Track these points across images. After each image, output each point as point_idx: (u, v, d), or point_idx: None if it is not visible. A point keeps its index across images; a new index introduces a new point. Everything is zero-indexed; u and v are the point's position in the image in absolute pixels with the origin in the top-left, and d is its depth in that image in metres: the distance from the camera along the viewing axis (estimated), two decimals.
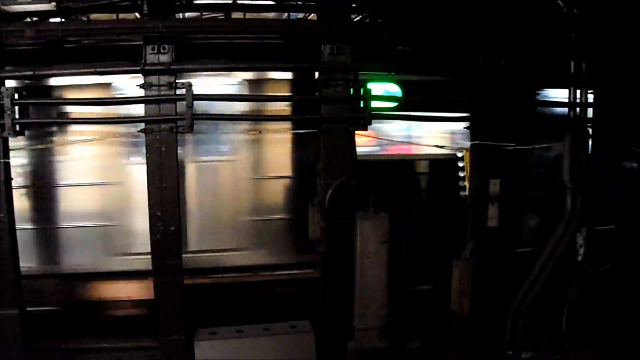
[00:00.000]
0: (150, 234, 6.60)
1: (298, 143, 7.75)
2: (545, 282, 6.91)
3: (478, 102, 6.75)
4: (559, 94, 7.42)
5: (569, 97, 6.88)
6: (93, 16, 6.73)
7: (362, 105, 6.44)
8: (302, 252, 7.63)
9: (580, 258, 7.01)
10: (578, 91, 6.89)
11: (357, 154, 6.94)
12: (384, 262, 6.47)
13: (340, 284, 6.71)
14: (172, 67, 6.38)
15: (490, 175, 6.72)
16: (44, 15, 6.36)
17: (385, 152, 8.38)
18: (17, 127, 6.28)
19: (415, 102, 7.09)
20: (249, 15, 6.69)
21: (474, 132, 6.77)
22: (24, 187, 7.41)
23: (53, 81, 7.27)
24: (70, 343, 7.12)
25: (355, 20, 6.86)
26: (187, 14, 6.98)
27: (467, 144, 7.14)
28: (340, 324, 6.78)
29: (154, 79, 6.43)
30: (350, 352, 6.68)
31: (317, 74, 6.79)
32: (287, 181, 7.87)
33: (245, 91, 7.40)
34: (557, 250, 6.86)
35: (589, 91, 6.93)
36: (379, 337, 6.70)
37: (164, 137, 6.48)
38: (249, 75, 7.44)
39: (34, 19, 6.33)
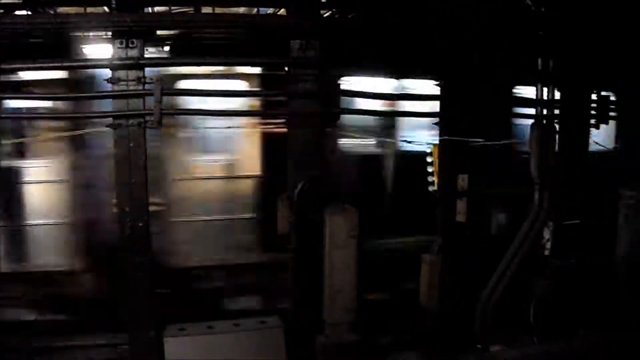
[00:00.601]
0: (119, 230, 6.56)
1: None
2: (513, 276, 6.98)
3: (447, 97, 6.82)
4: None
5: (536, 94, 6.96)
6: (60, 9, 6.68)
7: (331, 100, 6.47)
8: None
9: (547, 252, 7.14)
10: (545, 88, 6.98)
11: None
12: (354, 256, 6.49)
13: (310, 278, 6.71)
14: (140, 61, 6.34)
15: (459, 171, 6.80)
16: (9, 7, 6.29)
17: None
18: None
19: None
20: (218, 10, 6.68)
21: (442, 127, 6.83)
22: None
23: None
24: (41, 341, 7.06)
25: (325, 15, 6.88)
26: (156, 8, 6.96)
27: None
28: (310, 319, 6.78)
29: (122, 73, 6.37)
30: (320, 347, 6.67)
31: None
32: None
33: None
34: (525, 245, 6.94)
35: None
36: (349, 331, 6.70)
37: (133, 132, 6.43)
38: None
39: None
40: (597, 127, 7.39)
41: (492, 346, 7.15)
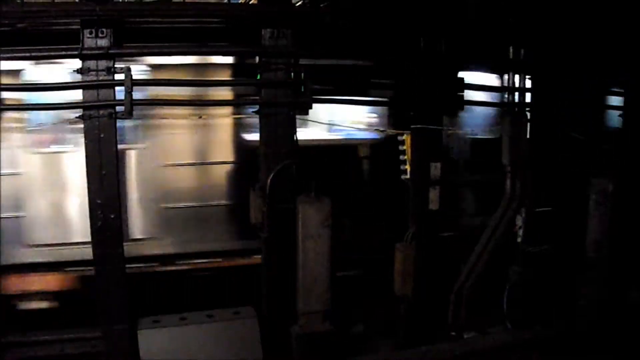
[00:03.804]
0: (90, 222, 6.50)
1: None
2: (486, 263, 7.06)
3: (420, 86, 6.83)
4: None
5: (508, 82, 7.03)
6: None
7: (302, 89, 6.45)
8: None
9: (519, 239, 7.22)
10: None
11: None
12: (327, 245, 6.47)
13: (283, 268, 6.71)
14: (110, 51, 6.27)
15: (431, 159, 6.82)
16: None
17: None
18: None
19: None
20: None
21: (414, 115, 6.84)
22: None
23: None
24: (10, 337, 6.96)
25: (296, 4, 6.86)
26: None
27: None
28: (284, 309, 6.78)
29: (91, 63, 6.29)
30: (295, 337, 6.66)
31: None
32: None
33: None
34: (497, 232, 7.03)
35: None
36: (323, 321, 6.69)
37: (103, 123, 6.37)
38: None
39: None
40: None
41: (466, 333, 7.25)
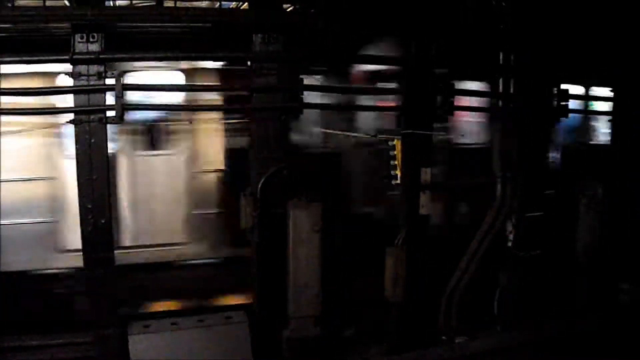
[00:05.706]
0: (81, 226, 6.49)
1: None
2: (477, 267, 7.08)
3: (410, 91, 6.85)
4: None
5: (498, 88, 7.05)
6: (19, 2, 6.55)
7: (294, 94, 6.46)
8: None
9: (510, 244, 7.24)
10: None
11: None
12: (318, 250, 6.50)
13: (274, 273, 6.71)
14: (101, 56, 6.26)
15: (422, 164, 6.84)
16: None
17: None
18: None
19: None
20: (180, 4, 6.62)
21: (405, 121, 6.87)
22: None
23: None
24: (1, 341, 6.93)
25: (288, 9, 6.87)
26: (118, 2, 6.88)
27: None
28: (275, 313, 6.79)
29: (82, 68, 6.29)
30: (286, 341, 6.69)
31: None
32: None
33: None
34: (488, 237, 7.04)
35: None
36: (314, 325, 6.72)
37: (94, 128, 6.37)
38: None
39: None
40: (558, 121, 7.51)
41: (457, 337, 7.26)
